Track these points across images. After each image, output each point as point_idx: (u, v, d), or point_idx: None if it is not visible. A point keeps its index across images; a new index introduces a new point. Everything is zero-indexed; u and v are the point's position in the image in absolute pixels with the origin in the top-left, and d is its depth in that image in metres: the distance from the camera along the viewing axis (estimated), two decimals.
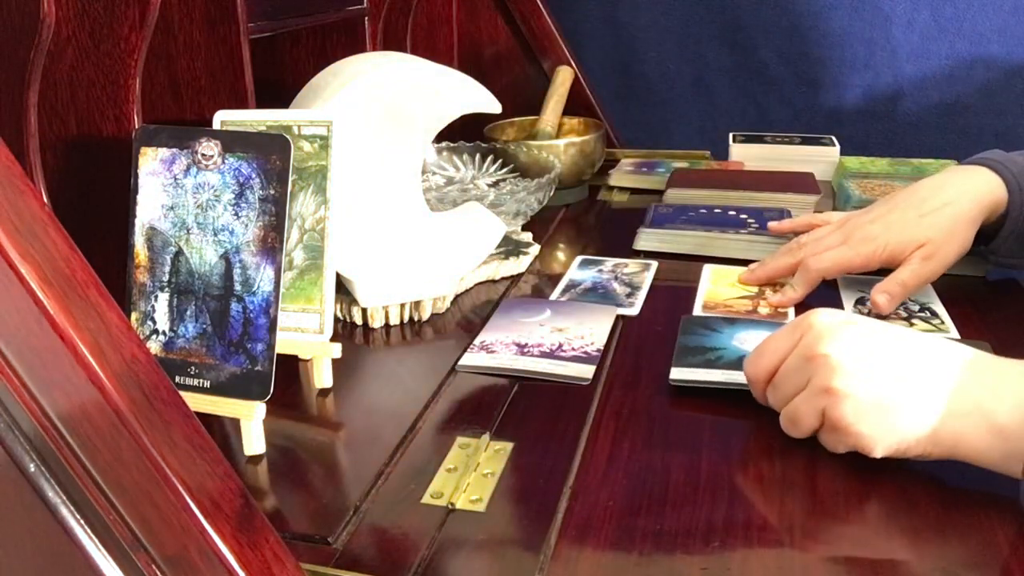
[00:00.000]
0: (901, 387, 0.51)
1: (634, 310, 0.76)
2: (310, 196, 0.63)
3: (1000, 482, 0.49)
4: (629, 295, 0.79)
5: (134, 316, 0.58)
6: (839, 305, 0.76)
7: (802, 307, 0.75)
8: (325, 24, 0.96)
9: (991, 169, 0.74)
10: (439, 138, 0.95)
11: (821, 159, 1.17)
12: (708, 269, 0.85)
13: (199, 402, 0.55)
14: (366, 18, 0.99)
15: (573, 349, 0.68)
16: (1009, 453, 0.48)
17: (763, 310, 0.75)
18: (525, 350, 0.68)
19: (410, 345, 0.73)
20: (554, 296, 0.80)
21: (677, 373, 0.63)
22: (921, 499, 0.50)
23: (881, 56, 1.37)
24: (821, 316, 0.55)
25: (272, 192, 0.56)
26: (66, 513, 0.40)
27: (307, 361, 0.67)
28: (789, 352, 0.55)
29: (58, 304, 0.37)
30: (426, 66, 0.74)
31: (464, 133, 1.05)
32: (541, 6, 1.26)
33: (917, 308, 0.74)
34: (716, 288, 0.81)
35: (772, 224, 0.86)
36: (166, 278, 0.58)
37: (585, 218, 1.05)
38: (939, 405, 0.50)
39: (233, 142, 0.57)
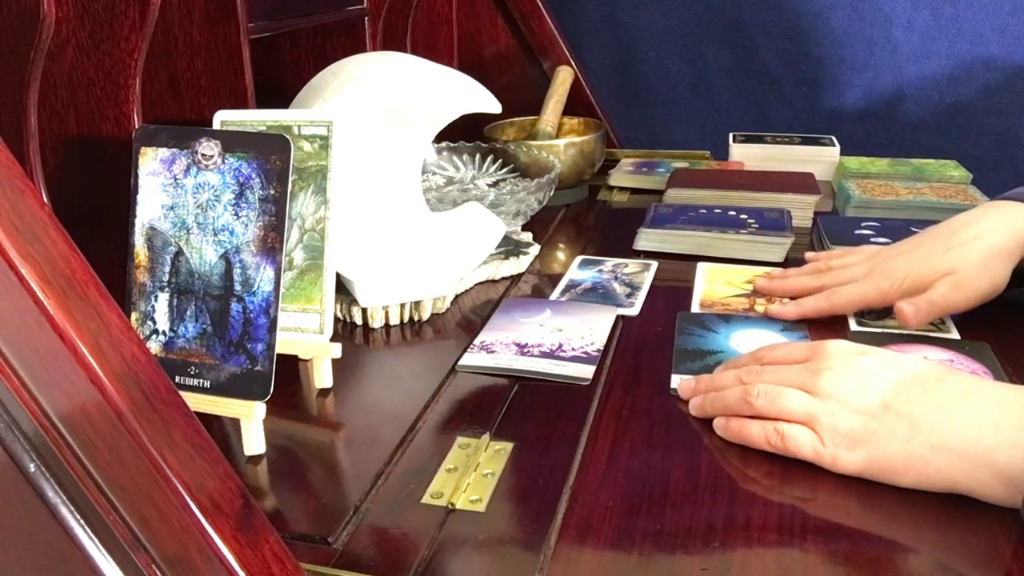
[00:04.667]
0: (885, 417, 0.51)
1: (634, 310, 0.76)
2: (310, 196, 0.63)
3: None
4: (629, 295, 0.79)
5: (134, 316, 0.58)
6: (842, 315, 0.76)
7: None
8: (325, 24, 0.96)
9: None
10: (439, 138, 0.95)
11: (821, 159, 1.17)
12: (702, 268, 0.85)
13: (199, 402, 0.55)
14: (366, 18, 0.99)
15: (573, 349, 0.68)
16: (1010, 488, 0.47)
17: (759, 308, 0.75)
18: (525, 350, 0.68)
19: (410, 345, 0.73)
20: (554, 296, 0.80)
21: (677, 382, 0.62)
22: (922, 499, 0.50)
23: (881, 56, 1.37)
24: (839, 343, 0.56)
25: (272, 192, 0.56)
26: (66, 513, 0.40)
27: (307, 361, 0.67)
28: (796, 360, 0.57)
29: (58, 304, 0.37)
30: (426, 66, 0.74)
31: (464, 133, 1.05)
32: (541, 6, 1.26)
33: None
34: (712, 286, 0.81)
35: (809, 255, 0.83)
36: (166, 278, 0.58)
37: (585, 218, 1.05)
38: (928, 438, 0.49)
39: (233, 142, 0.57)
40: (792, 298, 0.75)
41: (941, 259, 0.68)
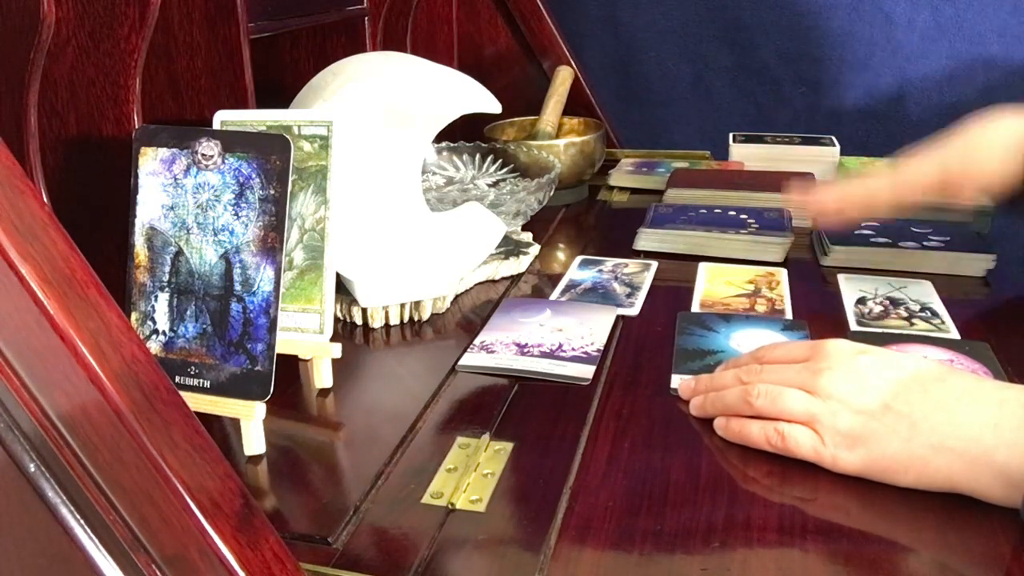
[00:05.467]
0: (885, 417, 0.51)
1: (634, 310, 0.76)
2: (310, 196, 0.63)
3: None
4: (629, 295, 0.79)
5: (134, 316, 0.58)
6: (839, 304, 0.76)
7: (805, 307, 0.76)
8: (325, 24, 0.96)
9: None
10: (439, 138, 0.95)
11: (821, 159, 1.17)
12: (704, 268, 0.85)
13: (199, 402, 0.55)
14: (366, 18, 0.99)
15: (573, 349, 0.68)
16: (1009, 488, 0.47)
17: (760, 308, 0.75)
18: (525, 350, 0.68)
19: (410, 345, 0.73)
20: (554, 296, 0.80)
21: (678, 382, 0.62)
22: (922, 499, 0.50)
23: (881, 56, 1.37)
24: (839, 343, 0.56)
25: (272, 192, 0.56)
26: (66, 513, 0.40)
27: (307, 361, 0.67)
28: (796, 359, 0.57)
29: (58, 304, 0.37)
30: (426, 66, 0.74)
31: (464, 133, 1.05)
32: (541, 6, 1.26)
33: (918, 308, 0.74)
34: (712, 286, 0.81)
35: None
36: (166, 278, 0.58)
37: (585, 218, 1.05)
38: (928, 438, 0.49)
39: (233, 142, 0.57)
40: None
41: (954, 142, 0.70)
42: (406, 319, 0.76)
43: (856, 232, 0.88)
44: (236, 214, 0.57)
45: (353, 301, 0.75)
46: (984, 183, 0.69)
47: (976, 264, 0.82)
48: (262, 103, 0.78)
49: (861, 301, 0.77)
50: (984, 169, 0.69)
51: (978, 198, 0.71)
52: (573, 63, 1.25)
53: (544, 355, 0.67)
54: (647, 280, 0.83)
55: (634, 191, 1.14)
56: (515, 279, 0.85)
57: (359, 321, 0.75)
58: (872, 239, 0.86)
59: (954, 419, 0.49)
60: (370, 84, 0.71)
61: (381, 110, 0.71)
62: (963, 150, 0.69)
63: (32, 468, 0.39)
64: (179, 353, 0.57)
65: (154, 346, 0.58)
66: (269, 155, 0.56)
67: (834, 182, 0.78)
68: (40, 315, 0.37)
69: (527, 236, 0.93)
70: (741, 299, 0.78)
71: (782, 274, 0.83)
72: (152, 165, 0.58)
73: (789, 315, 0.74)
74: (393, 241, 0.74)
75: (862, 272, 0.83)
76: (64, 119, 0.67)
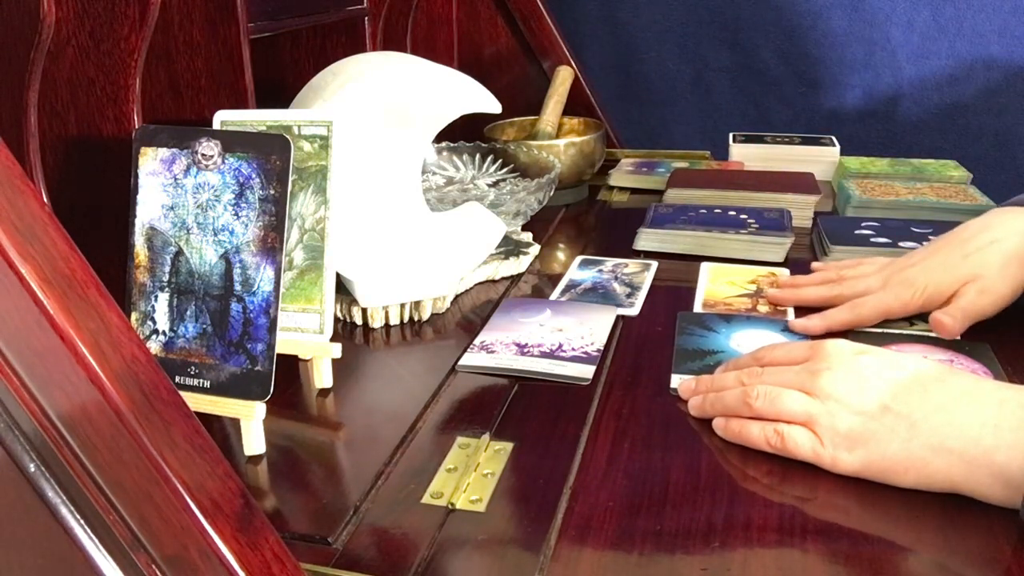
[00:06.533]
0: (884, 418, 0.51)
1: (634, 310, 0.76)
2: (310, 196, 0.63)
3: None
4: (629, 295, 0.79)
5: (134, 316, 0.58)
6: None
7: (806, 307, 0.75)
8: (325, 24, 0.96)
9: None
10: (439, 138, 0.95)
11: (821, 159, 1.17)
12: (706, 268, 0.85)
13: (199, 402, 0.55)
14: (366, 18, 0.99)
15: (573, 349, 0.68)
16: (1009, 489, 0.47)
17: (762, 308, 0.75)
18: (525, 350, 0.68)
19: (410, 345, 0.73)
20: (554, 296, 0.80)
21: (678, 381, 0.62)
22: (922, 499, 0.50)
23: (881, 56, 1.37)
24: (838, 343, 0.56)
25: (272, 192, 0.56)
26: (66, 513, 0.40)
27: (307, 361, 0.67)
28: (796, 360, 0.57)
29: (58, 304, 0.37)
30: (426, 66, 0.74)
31: (464, 133, 1.05)
32: (541, 6, 1.26)
33: None
34: (715, 286, 0.81)
35: (815, 264, 0.82)
36: (166, 278, 0.58)
37: (585, 218, 1.05)
38: (927, 439, 0.49)
39: (233, 142, 0.57)
40: (803, 310, 0.74)
41: (960, 266, 0.68)
42: (406, 319, 0.76)
43: (856, 232, 0.88)
44: (236, 214, 0.57)
45: (353, 301, 0.75)
46: (997, 309, 0.68)
47: None
48: (262, 103, 0.78)
49: None
50: (997, 302, 0.67)
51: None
52: (573, 63, 1.25)
53: (544, 355, 0.67)
54: (647, 280, 0.83)
55: (634, 191, 1.14)
56: (515, 279, 0.85)
57: (359, 321, 0.75)
58: (872, 239, 0.86)
59: (954, 420, 0.49)
60: (370, 84, 0.71)
61: (381, 110, 0.71)
62: (977, 290, 0.67)
63: (32, 468, 0.39)
64: (179, 353, 0.57)
65: (154, 346, 0.58)
66: (269, 155, 0.56)
67: (824, 285, 0.75)
68: (40, 315, 0.37)
69: (527, 236, 0.93)
70: (743, 299, 0.78)
71: (783, 274, 0.83)
72: (152, 165, 0.58)
73: (791, 316, 0.74)
74: (393, 241, 0.74)
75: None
76: (64, 119, 0.67)
